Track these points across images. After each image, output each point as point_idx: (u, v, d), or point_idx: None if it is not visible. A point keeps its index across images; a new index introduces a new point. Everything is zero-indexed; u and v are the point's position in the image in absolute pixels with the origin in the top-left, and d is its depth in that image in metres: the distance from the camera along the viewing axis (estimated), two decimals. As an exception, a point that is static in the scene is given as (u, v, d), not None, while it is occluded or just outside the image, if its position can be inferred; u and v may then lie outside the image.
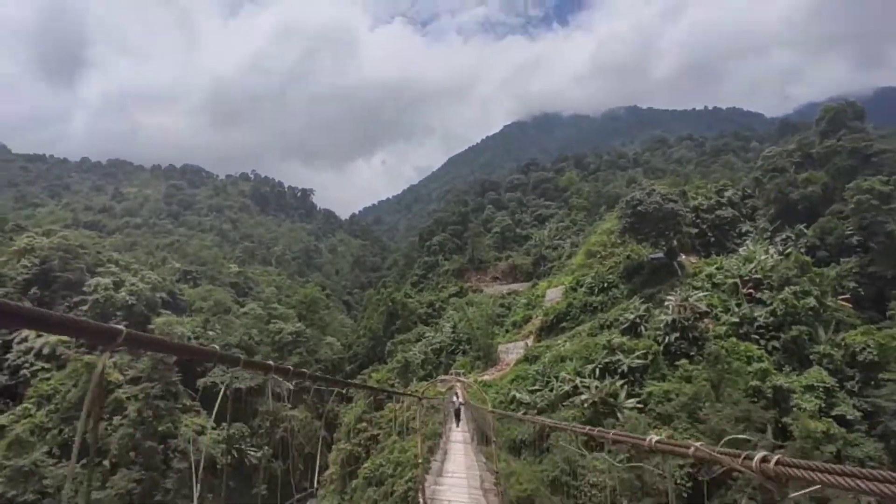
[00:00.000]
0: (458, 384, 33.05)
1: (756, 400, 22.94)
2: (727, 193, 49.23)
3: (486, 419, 22.17)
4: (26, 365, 37.51)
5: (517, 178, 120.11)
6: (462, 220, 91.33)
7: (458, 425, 28.88)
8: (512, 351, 42.24)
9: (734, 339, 27.48)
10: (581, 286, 41.70)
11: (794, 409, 22.79)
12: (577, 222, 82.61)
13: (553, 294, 47.37)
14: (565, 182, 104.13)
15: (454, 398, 30.02)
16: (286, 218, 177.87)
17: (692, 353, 28.09)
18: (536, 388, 30.26)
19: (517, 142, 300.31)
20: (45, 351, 38.00)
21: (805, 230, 38.59)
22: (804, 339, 26.78)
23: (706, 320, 29.91)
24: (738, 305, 30.19)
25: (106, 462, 33.62)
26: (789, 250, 35.84)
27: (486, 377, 38.21)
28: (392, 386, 36.05)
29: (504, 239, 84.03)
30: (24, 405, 34.91)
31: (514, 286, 65.59)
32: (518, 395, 29.83)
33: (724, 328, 28.82)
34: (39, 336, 39.17)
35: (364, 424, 35.39)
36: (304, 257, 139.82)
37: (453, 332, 51.21)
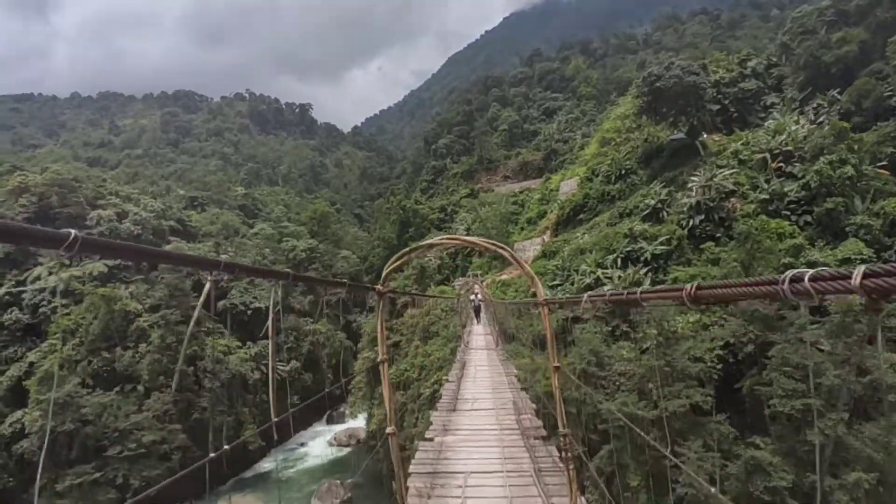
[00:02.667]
0: (476, 283, 32.42)
1: (789, 277, 21.85)
2: (751, 63, 45.41)
3: (503, 314, 21.67)
4: (44, 303, 37.61)
5: (521, 71, 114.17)
6: (467, 120, 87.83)
7: (479, 321, 28.70)
8: (529, 248, 41.37)
9: (764, 217, 25.92)
10: (597, 175, 39.80)
11: (830, 282, 21.71)
12: (587, 112, 79.02)
13: (567, 186, 45.64)
14: (572, 71, 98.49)
15: (473, 296, 29.63)
16: (288, 136, 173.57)
17: (718, 235, 26.84)
18: (557, 282, 29.51)
19: (518, 34, 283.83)
20: (60, 287, 37.94)
21: (838, 96, 35.63)
22: (840, 212, 25.18)
23: (733, 200, 28.29)
24: (768, 181, 28.36)
25: (140, 387, 34.49)
26: (822, 118, 33.26)
27: (504, 276, 37.67)
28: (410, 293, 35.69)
29: (512, 136, 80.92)
30: (50, 341, 35.33)
31: (526, 183, 63.78)
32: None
33: (753, 206, 27.21)
34: (51, 273, 39.02)
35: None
36: (311, 174, 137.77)
37: (467, 234, 50.34)
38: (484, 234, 47.27)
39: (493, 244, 4.90)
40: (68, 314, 36.11)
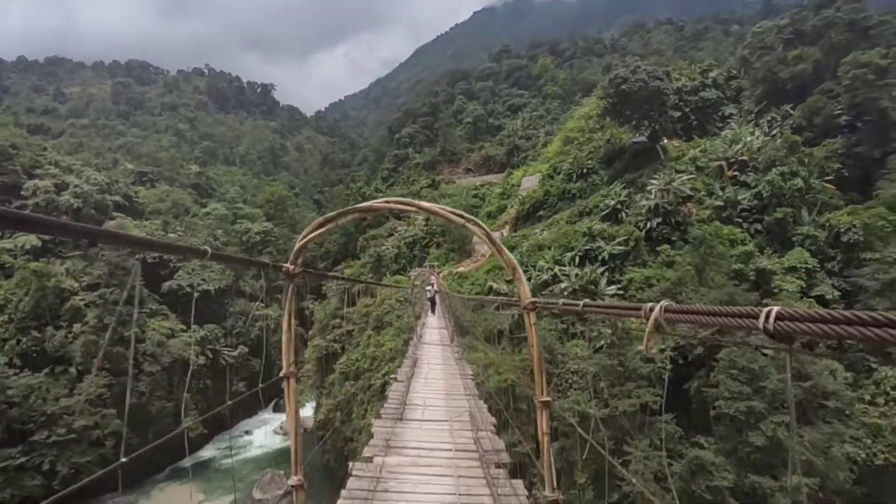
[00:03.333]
0: (433, 274, 31.93)
1: (739, 283, 22.37)
2: (712, 74, 46.56)
3: (460, 308, 21.20)
4: (-30, 275, 35.00)
5: (489, 66, 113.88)
6: (432, 111, 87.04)
7: (433, 312, 28.28)
8: (488, 242, 41.22)
9: (717, 223, 26.57)
10: (559, 173, 39.98)
11: (776, 290, 22.38)
12: (552, 111, 79.52)
13: (529, 182, 45.72)
14: (539, 70, 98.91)
15: (429, 287, 29.19)
16: (248, 116, 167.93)
17: (674, 239, 27.30)
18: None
19: (488, 30, 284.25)
20: (-12, 259, 35.38)
21: (791, 111, 36.87)
22: (788, 222, 26.04)
23: (689, 204, 28.85)
24: (723, 188, 29.08)
25: (72, 370, 32.51)
26: (775, 131, 34.35)
27: (461, 269, 37.40)
28: (364, 282, 34.96)
29: (476, 130, 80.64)
30: (-26, 316, 32.91)
31: (488, 177, 63.72)
32: (495, 286, 29.03)
33: (708, 212, 27.84)
34: (-21, 244, 36.35)
35: (338, 321, 34.67)
36: (270, 156, 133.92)
37: (426, 225, 49.77)
38: (442, 224, 46.84)
39: (464, 216, 3.61)
40: (-4, 288, 33.74)
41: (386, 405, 9.22)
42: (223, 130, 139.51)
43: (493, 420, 8.35)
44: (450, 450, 6.97)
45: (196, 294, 42.74)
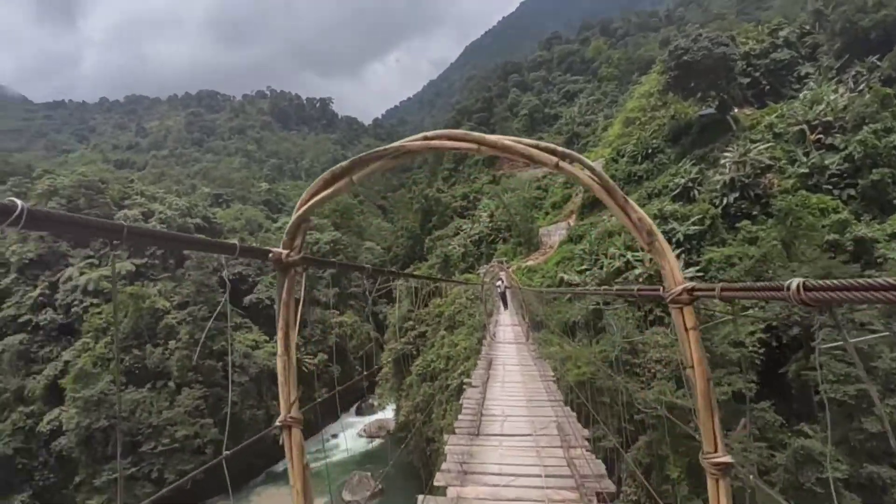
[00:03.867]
0: (501, 269, 31.61)
1: (834, 255, 20.55)
2: (782, 33, 43.24)
3: (534, 303, 20.76)
4: (76, 302, 38.24)
5: (540, 55, 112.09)
6: (487, 107, 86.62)
7: (505, 307, 28.05)
8: (554, 233, 40.37)
9: (804, 192, 24.56)
10: (622, 156, 38.50)
11: (881, 259, 20.39)
12: (609, 94, 77.09)
13: (592, 169, 44.30)
14: (592, 52, 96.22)
15: (499, 282, 29.02)
16: (309, 131, 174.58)
17: (755, 213, 25.54)
18: (584, 267, 28.60)
19: (536, 18, 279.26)
20: (91, 287, 38.48)
21: (878, 62, 33.57)
22: (887, 183, 23.66)
23: (769, 175, 26.86)
24: (807, 154, 26.86)
25: (171, 384, 34.82)
26: (862, 86, 31.40)
27: (529, 262, 36.83)
28: (434, 282, 35.18)
29: (533, 121, 79.49)
30: (83, 339, 35.90)
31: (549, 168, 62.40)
32: (566, 277, 28.32)
33: (791, 181, 25.81)
34: (83, 273, 39.62)
35: (410, 322, 35.09)
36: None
37: (491, 221, 49.48)
38: (508, 219, 46.38)
39: (548, 147, 2.22)
40: (99, 313, 36.63)
41: (461, 417, 8.17)
42: (288, 147, 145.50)
43: (587, 433, 7.36)
44: (539, 475, 5.93)
45: (275, 306, 44.57)
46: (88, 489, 31.68)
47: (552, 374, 11.78)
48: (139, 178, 68.40)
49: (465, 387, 10.94)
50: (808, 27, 43.80)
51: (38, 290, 39.33)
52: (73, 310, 38.14)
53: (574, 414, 8.12)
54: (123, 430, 31.27)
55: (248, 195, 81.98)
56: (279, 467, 35.47)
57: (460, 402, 9.38)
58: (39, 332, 38.23)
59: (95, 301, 38.04)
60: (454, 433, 7.35)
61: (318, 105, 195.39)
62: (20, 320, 38.43)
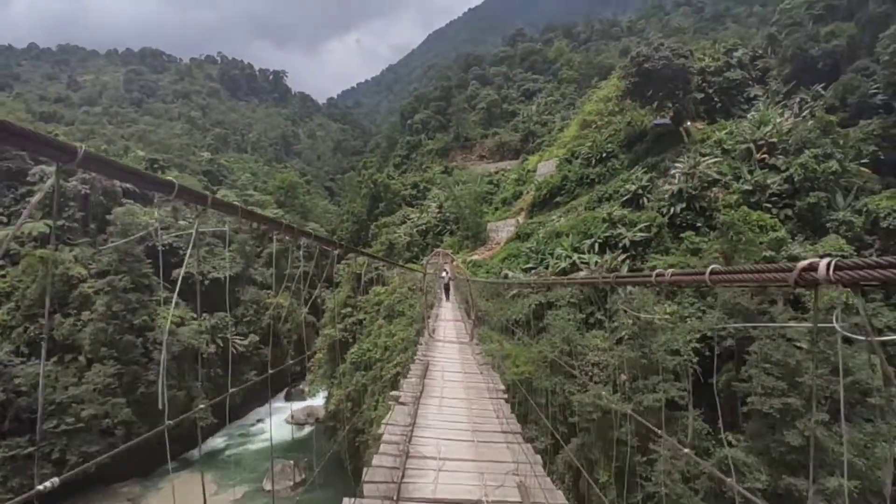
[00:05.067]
0: (446, 261, 30.92)
1: (770, 271, 21.08)
2: (736, 54, 44.57)
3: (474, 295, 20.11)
4: (-22, 262, 34.73)
5: (503, 50, 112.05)
6: (445, 97, 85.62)
7: (448, 299, 27.50)
8: (502, 229, 40.14)
9: (746, 208, 25.13)
10: (576, 157, 38.64)
11: (811, 279, 21.05)
12: (568, 96, 77.65)
13: (545, 168, 44.38)
14: (554, 54, 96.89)
15: (443, 273, 28.45)
16: (260, 103, 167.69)
17: (699, 225, 26.06)
18: (530, 265, 28.39)
19: (502, 14, 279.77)
20: (-3, 246, 35.05)
21: (822, 91, 35.07)
22: (822, 207, 24.60)
23: (715, 189, 27.50)
24: (751, 172, 27.59)
25: (81, 358, 32.19)
26: (805, 112, 32.66)
27: (475, 257, 36.42)
28: (376, 269, 34.14)
29: (490, 115, 79.08)
30: (-17, 304, 32.68)
31: (503, 164, 62.40)
32: (511, 274, 28.01)
33: (735, 196, 26.42)
34: (-11, 230, 36.05)
35: (349, 309, 33.96)
36: (282, 143, 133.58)
37: (439, 212, 48.81)
38: (457, 211, 45.83)
39: None
40: (3, 276, 33.39)
41: (378, 456, 5.68)
42: (235, 118, 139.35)
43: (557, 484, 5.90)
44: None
45: (206, 282, 42.30)
46: (-21, 466, 28.86)
47: (503, 387, 9.75)
48: (65, 133, 63.29)
49: (389, 401, 8.73)
50: (760, 51, 45.37)
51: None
52: (-27, 270, 34.64)
53: (539, 460, 5.79)
54: (22, 407, 28.54)
55: (188, 164, 77.72)
56: (195, 452, 33.66)
57: (380, 431, 6.77)
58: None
59: (0, 263, 34.65)
60: (361, 493, 4.74)
61: (271, 77, 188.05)
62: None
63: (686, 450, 3.36)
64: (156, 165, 68.06)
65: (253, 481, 31.50)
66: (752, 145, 28.92)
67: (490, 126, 76.28)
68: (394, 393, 8.81)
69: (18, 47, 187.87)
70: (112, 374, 31.08)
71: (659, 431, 3.55)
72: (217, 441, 37.47)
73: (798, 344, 17.45)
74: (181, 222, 48.53)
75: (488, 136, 72.88)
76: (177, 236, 45.06)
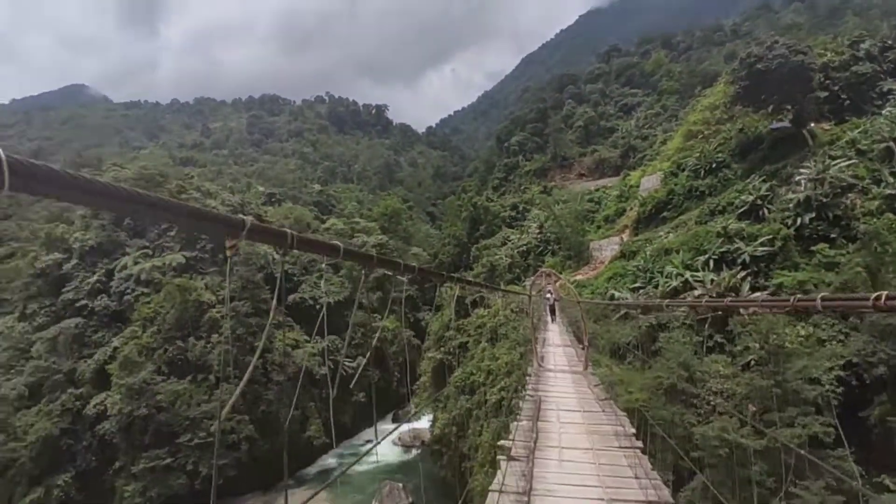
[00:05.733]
0: (550, 282, 30.24)
1: (928, 286, 18.31)
2: (864, 45, 40.09)
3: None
4: (128, 291, 39.31)
5: (597, 67, 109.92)
6: (541, 117, 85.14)
7: (553, 320, 26.87)
8: (606, 248, 38.66)
9: (890, 216, 22.19)
10: (683, 170, 36.45)
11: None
12: (669, 108, 74.20)
13: (649, 182, 42.33)
14: (652, 66, 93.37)
15: (548, 294, 27.95)
16: (364, 136, 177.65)
17: (833, 236, 23.28)
18: (638, 285, 26.94)
19: (595, 32, 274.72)
20: (143, 276, 39.50)
21: (979, 77, 30.54)
22: None
23: (851, 195, 24.56)
24: (894, 174, 24.40)
25: (211, 377, 35.12)
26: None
27: (578, 277, 35.30)
28: (478, 292, 34.14)
29: (588, 133, 77.48)
30: (132, 328, 36.77)
31: (602, 181, 60.58)
32: (617, 294, 26.74)
33: (876, 203, 23.42)
34: (136, 263, 40.76)
35: (452, 332, 34.15)
36: (385, 172, 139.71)
37: (540, 233, 48.09)
38: (558, 231, 44.90)
39: None
40: (148, 302, 37.47)
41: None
42: (342, 151, 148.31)
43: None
44: None
45: (317, 307, 44.71)
46: (126, 476, 32.18)
47: (633, 430, 8.12)
48: (198, 174, 70.70)
49: (498, 454, 7.32)
50: (890, 41, 40.50)
51: (95, 277, 40.73)
52: (125, 298, 39.26)
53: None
54: (162, 422, 31.62)
55: (300, 195, 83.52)
56: (311, 470, 35.21)
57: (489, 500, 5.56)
58: (94, 318, 39.53)
59: (146, 290, 38.98)
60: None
61: (373, 111, 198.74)
62: (77, 304, 39.90)
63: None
64: (273, 199, 73.87)
65: (362, 501, 32.24)
66: (892, 144, 25.62)
67: (588, 144, 74.63)
68: (503, 443, 7.38)
69: (163, 103, 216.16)
70: (237, 392, 33.57)
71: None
72: (329, 460, 38.90)
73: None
74: (295, 251, 51.80)
75: (586, 154, 71.30)
76: (292, 263, 48.30)
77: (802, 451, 7.14)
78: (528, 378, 12.73)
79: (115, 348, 35.83)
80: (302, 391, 38.44)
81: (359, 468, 37.86)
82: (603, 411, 9.73)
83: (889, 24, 44.13)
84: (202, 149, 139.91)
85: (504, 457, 6.85)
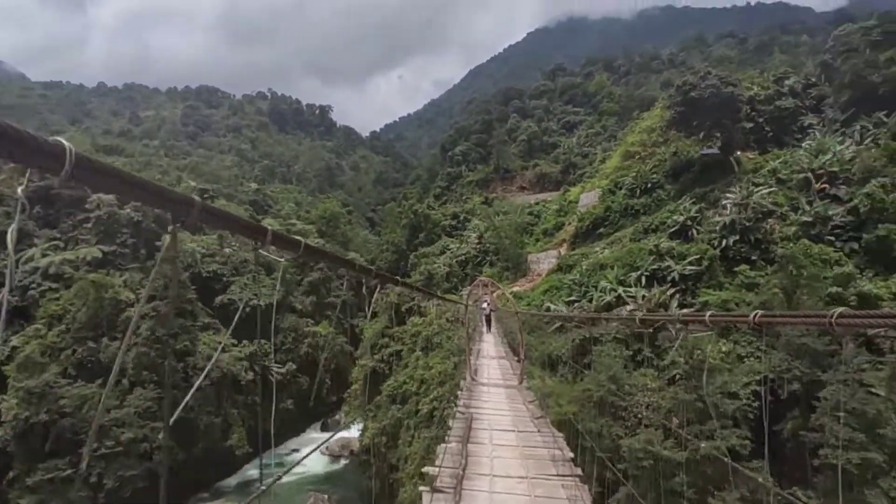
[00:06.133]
0: (487, 292, 30.19)
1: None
2: (788, 82, 43.12)
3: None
4: (34, 285, 36.02)
5: (543, 84, 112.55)
6: (486, 129, 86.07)
7: (488, 330, 26.76)
8: (543, 260, 39.21)
9: (806, 241, 23.62)
10: (620, 188, 37.66)
11: (885, 318, 19.31)
12: (609, 128, 76.93)
13: (587, 199, 43.43)
14: (594, 87, 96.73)
15: (484, 304, 27.83)
16: (305, 136, 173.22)
17: (754, 258, 24.57)
18: (573, 298, 27.36)
19: (542, 50, 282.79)
20: (52, 270, 36.35)
21: (885, 118, 33.26)
22: (893, 240, 22.82)
23: (770, 220, 26.03)
24: (810, 203, 26.05)
25: (125, 381, 32.62)
26: (868, 140, 30.91)
27: (515, 288, 35.52)
28: (412, 300, 33.65)
29: (531, 147, 78.90)
30: (36, 326, 33.67)
31: (543, 195, 61.71)
32: (553, 307, 27.01)
33: (794, 229, 24.92)
34: (45, 255, 37.53)
35: (386, 339, 33.45)
36: (326, 175, 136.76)
37: (479, 243, 48.27)
38: (497, 242, 45.20)
39: None
40: (57, 299, 34.49)
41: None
42: (282, 150, 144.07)
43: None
44: None
45: (248, 309, 42.72)
46: (21, 487, 29.17)
47: (571, 455, 7.62)
48: (123, 164, 66.31)
49: (420, 487, 6.75)
50: (813, 79, 43.73)
51: (-5, 269, 37.11)
52: (29, 293, 35.86)
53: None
54: (65, 427, 28.97)
55: (236, 193, 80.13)
56: (231, 482, 33.35)
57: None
58: (-8, 314, 35.89)
59: (55, 286, 35.82)
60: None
61: (317, 111, 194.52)
62: (-28, 299, 36.11)
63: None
64: (205, 195, 70.34)
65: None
66: (810, 175, 27.41)
67: (530, 158, 76.00)
68: (428, 470, 6.53)
69: (89, 86, 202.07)
70: (152, 397, 31.29)
71: None
72: (252, 472, 37.01)
73: (875, 391, 15.87)
74: (226, 250, 49.56)
75: (528, 168, 72.56)
76: (222, 264, 45.97)
77: (728, 460, 7.13)
78: (459, 392, 12.03)
79: (14, 347, 32.61)
80: (225, 397, 36.49)
81: (284, 479, 36.28)
82: (538, 431, 9.16)
83: (813, 62, 47.53)
84: (130, 137, 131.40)
85: (427, 488, 6.11)
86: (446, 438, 8.20)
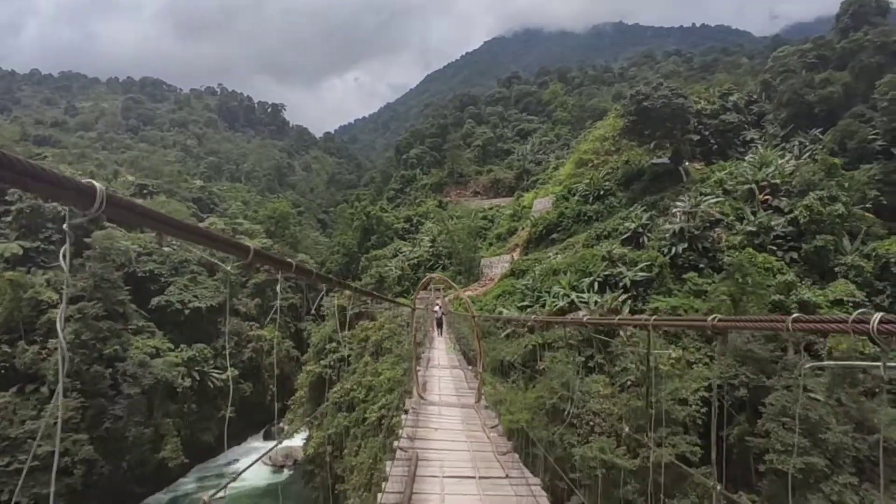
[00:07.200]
0: (439, 296, 29.59)
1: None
2: (732, 98, 44.78)
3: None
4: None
5: (498, 91, 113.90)
6: (441, 133, 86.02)
7: (440, 334, 26.21)
8: (496, 265, 38.97)
9: (750, 250, 24.21)
10: (574, 195, 37.91)
11: (824, 325, 19.91)
12: (562, 136, 78.31)
13: (541, 204, 43.60)
14: (549, 96, 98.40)
15: (436, 308, 27.25)
16: (256, 134, 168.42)
17: (702, 266, 25.02)
18: (526, 303, 27.10)
19: (498, 58, 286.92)
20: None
21: (820, 135, 34.94)
22: (829, 250, 23.74)
23: (717, 229, 26.63)
24: (754, 213, 26.83)
25: (44, 389, 30.07)
26: (805, 155, 32.31)
27: (469, 293, 35.08)
28: (363, 303, 32.64)
29: (485, 153, 79.29)
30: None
31: (497, 201, 61.92)
32: (505, 311, 26.67)
33: (739, 238, 25.54)
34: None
35: (334, 345, 32.27)
36: (276, 174, 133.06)
37: (432, 246, 47.69)
38: (450, 246, 44.76)
39: None
40: (-31, 298, 31.58)
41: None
42: (230, 148, 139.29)
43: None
44: None
45: (186, 311, 40.53)
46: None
47: None
48: (54, 155, 62.20)
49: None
50: (755, 96, 45.62)
51: None
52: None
53: None
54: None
55: (178, 190, 76.46)
56: (163, 497, 31.27)
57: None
58: None
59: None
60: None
61: (269, 110, 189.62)
62: None
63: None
64: (145, 191, 66.94)
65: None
66: (754, 186, 28.27)
67: (485, 163, 76.28)
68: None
69: (21, 73, 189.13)
70: (75, 407, 28.90)
71: None
72: (189, 485, 34.92)
73: (815, 396, 16.21)
74: (165, 248, 46.95)
75: (483, 173, 72.74)
76: (160, 263, 43.40)
77: (681, 465, 6.75)
78: (404, 417, 9.64)
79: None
80: (158, 406, 34.29)
81: (222, 492, 34.39)
82: (507, 476, 6.93)
83: (754, 81, 49.61)
84: (65, 128, 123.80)
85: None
86: (382, 488, 6.20)
